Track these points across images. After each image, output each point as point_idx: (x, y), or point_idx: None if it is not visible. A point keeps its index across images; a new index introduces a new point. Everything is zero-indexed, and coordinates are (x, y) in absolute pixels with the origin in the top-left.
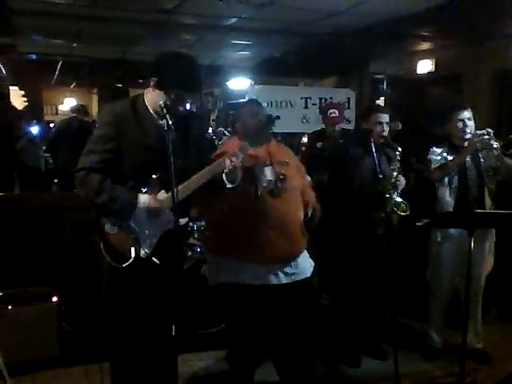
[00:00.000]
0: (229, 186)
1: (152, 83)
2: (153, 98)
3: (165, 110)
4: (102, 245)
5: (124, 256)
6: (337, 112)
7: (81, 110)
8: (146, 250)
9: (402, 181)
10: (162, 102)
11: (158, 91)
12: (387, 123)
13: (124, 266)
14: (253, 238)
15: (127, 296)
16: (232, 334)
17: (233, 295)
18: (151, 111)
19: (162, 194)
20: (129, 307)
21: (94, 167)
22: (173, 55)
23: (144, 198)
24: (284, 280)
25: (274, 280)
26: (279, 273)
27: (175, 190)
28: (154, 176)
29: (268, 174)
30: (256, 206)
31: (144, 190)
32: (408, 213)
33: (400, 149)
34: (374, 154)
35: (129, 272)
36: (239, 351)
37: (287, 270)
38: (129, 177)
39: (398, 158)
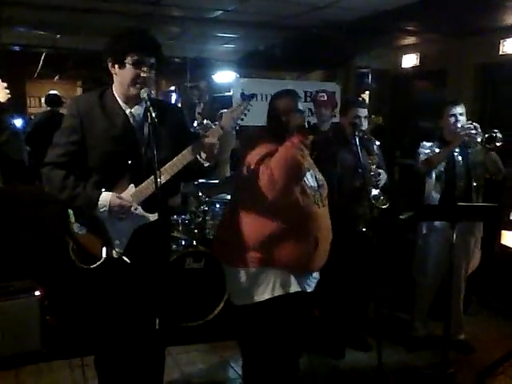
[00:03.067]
0: (206, 164)
1: (110, 64)
2: (117, 82)
3: (148, 102)
4: (70, 246)
5: (95, 257)
6: (325, 96)
7: (55, 100)
8: (118, 249)
9: (383, 175)
10: (145, 94)
11: (117, 71)
12: (365, 117)
13: (93, 267)
14: (305, 247)
15: (101, 295)
16: (275, 345)
17: (283, 306)
18: (119, 100)
19: (131, 189)
20: (104, 305)
21: (58, 162)
22: (118, 30)
23: (105, 197)
24: (314, 286)
25: (308, 287)
26: (311, 279)
27: (146, 182)
28: (122, 169)
29: (310, 179)
30: (308, 214)
31: (105, 189)
32: (387, 206)
33: (378, 142)
34: (358, 148)
35: (100, 272)
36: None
37: (315, 275)
38: (96, 170)
39: (377, 151)
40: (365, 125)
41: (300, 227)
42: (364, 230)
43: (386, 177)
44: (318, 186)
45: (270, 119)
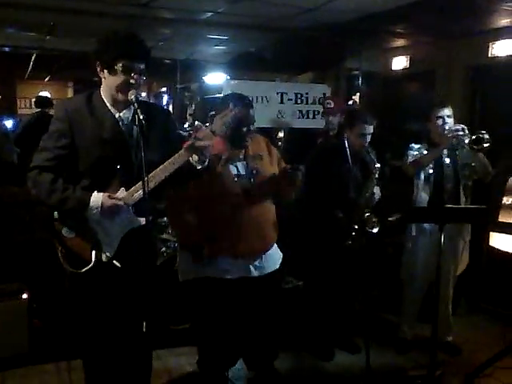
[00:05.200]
0: (198, 166)
1: (98, 69)
2: (106, 86)
3: (136, 104)
4: (59, 250)
5: (84, 260)
6: (332, 103)
7: (45, 102)
8: (108, 254)
9: (377, 193)
10: (133, 96)
11: (107, 76)
12: (370, 134)
13: (83, 271)
14: (227, 233)
15: (90, 299)
16: (206, 332)
17: (206, 290)
18: (107, 103)
19: (122, 192)
20: (93, 309)
21: (46, 166)
22: (107, 34)
23: (97, 198)
24: (255, 273)
25: (244, 273)
26: (250, 266)
27: (137, 185)
28: (112, 172)
29: (241, 169)
30: (231, 201)
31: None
32: (377, 230)
33: (378, 165)
34: (349, 161)
35: (89, 276)
36: (213, 351)
37: (257, 263)
38: (85, 174)
39: (377, 175)
40: (368, 141)
41: (223, 215)
42: (350, 243)
43: (379, 194)
44: (251, 174)
45: None
